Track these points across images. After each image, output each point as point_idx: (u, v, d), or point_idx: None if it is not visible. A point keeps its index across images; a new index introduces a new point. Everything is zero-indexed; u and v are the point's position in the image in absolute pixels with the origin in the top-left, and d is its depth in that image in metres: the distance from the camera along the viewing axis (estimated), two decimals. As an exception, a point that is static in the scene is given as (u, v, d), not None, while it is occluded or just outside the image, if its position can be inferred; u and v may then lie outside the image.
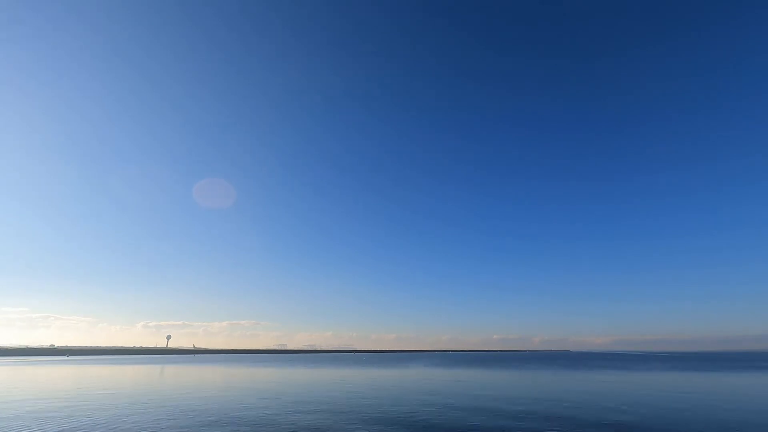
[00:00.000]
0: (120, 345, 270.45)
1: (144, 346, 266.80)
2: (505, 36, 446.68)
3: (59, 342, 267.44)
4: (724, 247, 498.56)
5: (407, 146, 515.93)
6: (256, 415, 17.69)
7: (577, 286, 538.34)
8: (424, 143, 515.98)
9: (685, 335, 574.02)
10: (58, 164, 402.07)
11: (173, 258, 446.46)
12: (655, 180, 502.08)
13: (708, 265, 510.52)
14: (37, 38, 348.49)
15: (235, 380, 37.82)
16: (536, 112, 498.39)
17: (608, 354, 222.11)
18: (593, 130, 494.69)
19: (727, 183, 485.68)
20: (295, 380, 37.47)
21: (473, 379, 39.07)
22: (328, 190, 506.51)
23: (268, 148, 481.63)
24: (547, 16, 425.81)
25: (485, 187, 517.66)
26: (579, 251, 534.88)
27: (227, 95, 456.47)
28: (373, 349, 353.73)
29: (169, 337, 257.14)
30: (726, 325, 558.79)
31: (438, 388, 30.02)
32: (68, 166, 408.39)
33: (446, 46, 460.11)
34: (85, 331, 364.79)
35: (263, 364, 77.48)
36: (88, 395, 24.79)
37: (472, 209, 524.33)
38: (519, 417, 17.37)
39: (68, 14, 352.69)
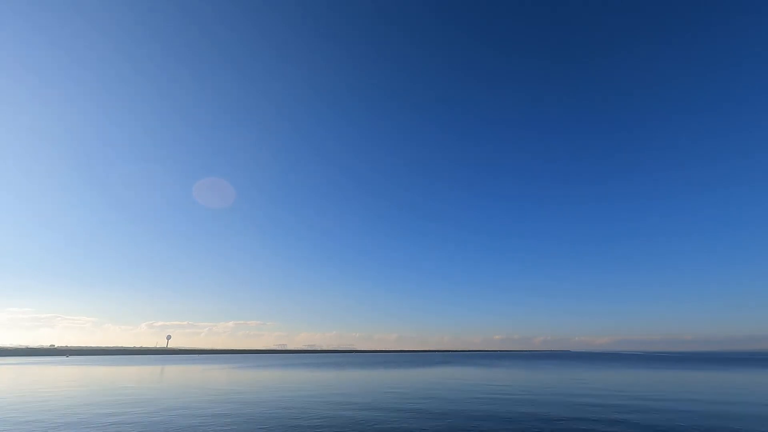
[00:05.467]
0: (121, 345, 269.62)
1: (144, 346, 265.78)
2: (506, 36, 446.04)
3: (62, 342, 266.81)
4: (724, 247, 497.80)
5: (409, 147, 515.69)
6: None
7: (578, 286, 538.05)
8: (426, 144, 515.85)
9: (687, 335, 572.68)
10: (59, 165, 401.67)
11: (178, 259, 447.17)
12: (655, 180, 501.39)
13: (709, 265, 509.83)
14: (38, 37, 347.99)
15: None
16: (537, 112, 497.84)
17: (624, 355, 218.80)
18: (594, 130, 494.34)
19: (727, 183, 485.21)
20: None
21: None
22: (328, 190, 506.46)
23: (268, 148, 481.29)
24: (548, 16, 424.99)
25: (486, 188, 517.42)
26: (580, 251, 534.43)
27: (228, 95, 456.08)
28: (374, 349, 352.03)
29: (169, 338, 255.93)
30: (728, 325, 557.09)
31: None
32: (70, 167, 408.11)
33: (446, 47, 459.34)
34: (89, 332, 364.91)
35: (241, 364, 75.82)
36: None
37: (474, 210, 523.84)
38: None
39: (69, 13, 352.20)
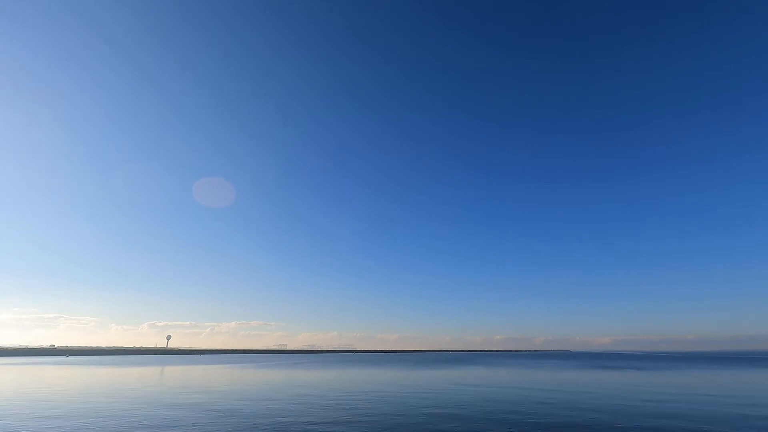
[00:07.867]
0: (122, 345, 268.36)
1: (144, 346, 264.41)
2: (506, 36, 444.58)
3: (64, 342, 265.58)
4: (727, 246, 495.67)
5: (408, 147, 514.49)
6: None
7: (579, 286, 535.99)
8: (426, 144, 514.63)
9: (690, 335, 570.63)
10: (62, 166, 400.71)
11: (180, 259, 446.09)
12: (655, 180, 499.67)
13: (711, 264, 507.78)
14: (38, 37, 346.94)
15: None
16: (537, 113, 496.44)
17: (626, 354, 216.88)
18: (594, 130, 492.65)
19: (726, 183, 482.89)
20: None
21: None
22: (328, 190, 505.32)
23: (268, 148, 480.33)
24: (548, 16, 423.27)
25: (486, 188, 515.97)
26: (580, 251, 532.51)
27: (228, 95, 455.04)
28: (376, 349, 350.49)
29: (169, 338, 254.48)
30: (731, 324, 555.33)
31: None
32: (72, 168, 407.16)
33: (445, 46, 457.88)
34: (92, 332, 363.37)
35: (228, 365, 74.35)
36: None
37: (474, 210, 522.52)
38: None
39: (69, 13, 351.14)
